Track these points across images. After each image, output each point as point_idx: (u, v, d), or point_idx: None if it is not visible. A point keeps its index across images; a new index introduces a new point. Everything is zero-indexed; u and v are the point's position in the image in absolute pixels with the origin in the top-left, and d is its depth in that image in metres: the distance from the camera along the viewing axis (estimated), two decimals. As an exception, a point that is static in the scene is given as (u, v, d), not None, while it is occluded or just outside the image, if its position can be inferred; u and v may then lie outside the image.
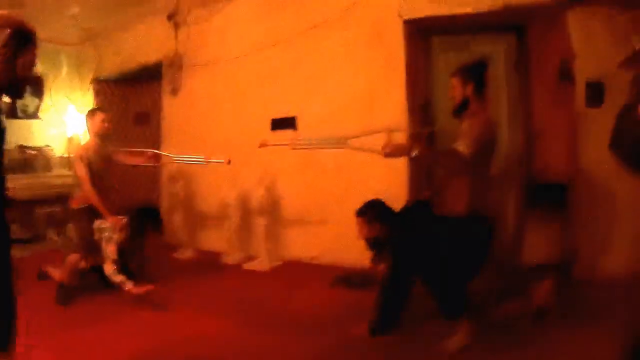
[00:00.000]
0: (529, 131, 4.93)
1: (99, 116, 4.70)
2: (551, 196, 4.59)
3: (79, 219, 4.58)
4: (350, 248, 4.61)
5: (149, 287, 4.13)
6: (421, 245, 3.15)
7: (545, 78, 4.76)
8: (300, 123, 5.53)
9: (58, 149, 7.95)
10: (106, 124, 4.70)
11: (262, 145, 4.32)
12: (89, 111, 4.90)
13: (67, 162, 7.88)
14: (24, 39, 2.09)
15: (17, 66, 2.07)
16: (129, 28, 7.23)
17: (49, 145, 7.80)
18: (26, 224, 7.14)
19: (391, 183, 4.85)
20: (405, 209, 3.74)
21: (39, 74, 7.59)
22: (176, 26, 6.51)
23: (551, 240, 4.57)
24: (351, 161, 5.08)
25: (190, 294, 4.58)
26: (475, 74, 3.34)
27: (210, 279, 5.18)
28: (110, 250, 4.25)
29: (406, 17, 4.91)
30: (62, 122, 7.98)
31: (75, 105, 7.94)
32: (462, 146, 3.07)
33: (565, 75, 4.52)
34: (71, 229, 4.78)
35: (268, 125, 5.68)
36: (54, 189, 7.38)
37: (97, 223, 4.42)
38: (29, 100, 7.65)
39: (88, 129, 4.74)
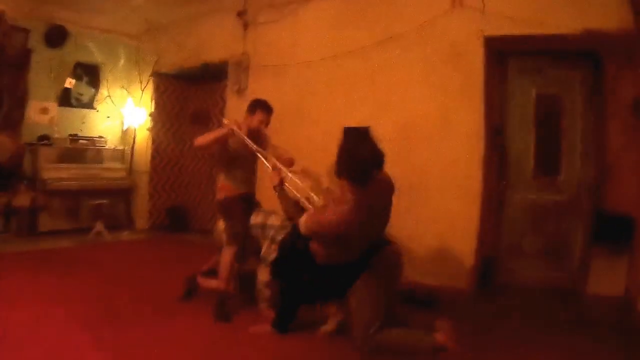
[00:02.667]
0: (601, 162, 4.92)
1: (259, 115, 4.37)
2: (619, 229, 4.74)
3: (229, 210, 4.24)
4: (415, 265, 4.74)
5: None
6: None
7: (620, 110, 4.74)
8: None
9: (111, 140, 8.14)
10: (263, 125, 4.40)
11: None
12: (251, 102, 4.52)
13: (120, 154, 8.12)
14: None
15: None
16: (192, 24, 7.37)
17: (102, 137, 7.98)
18: (72, 215, 7.40)
19: (464, 206, 5.00)
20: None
21: (96, 63, 7.94)
22: (245, 25, 6.63)
23: (616, 273, 4.78)
24: (424, 179, 5.21)
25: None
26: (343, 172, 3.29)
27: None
28: (272, 253, 3.96)
29: (487, 34, 4.97)
30: (119, 114, 8.17)
31: (132, 98, 8.10)
32: (306, 216, 3.28)
33: (641, 110, 4.55)
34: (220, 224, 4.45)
35: (337, 134, 5.69)
36: (104, 182, 7.64)
37: (260, 218, 4.16)
38: (84, 89, 7.87)
39: (245, 119, 4.41)
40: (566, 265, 5.09)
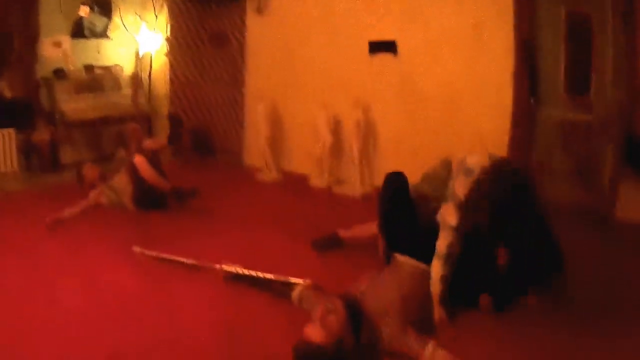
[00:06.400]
0: (631, 84, 4.99)
1: None
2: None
3: None
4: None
5: None
6: None
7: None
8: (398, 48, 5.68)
9: (128, 68, 8.23)
10: None
11: None
12: None
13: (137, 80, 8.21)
14: None
15: None
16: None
17: (118, 64, 8.09)
18: (93, 144, 7.64)
19: (494, 123, 5.12)
20: None
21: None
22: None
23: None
24: (455, 94, 5.33)
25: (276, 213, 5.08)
26: None
27: (297, 201, 5.69)
28: None
29: None
30: (133, 40, 8.20)
31: (147, 24, 8.12)
32: None
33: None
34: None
35: (363, 48, 5.84)
36: (123, 109, 7.82)
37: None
38: (97, 19, 7.90)
39: None
40: (595, 187, 5.22)
